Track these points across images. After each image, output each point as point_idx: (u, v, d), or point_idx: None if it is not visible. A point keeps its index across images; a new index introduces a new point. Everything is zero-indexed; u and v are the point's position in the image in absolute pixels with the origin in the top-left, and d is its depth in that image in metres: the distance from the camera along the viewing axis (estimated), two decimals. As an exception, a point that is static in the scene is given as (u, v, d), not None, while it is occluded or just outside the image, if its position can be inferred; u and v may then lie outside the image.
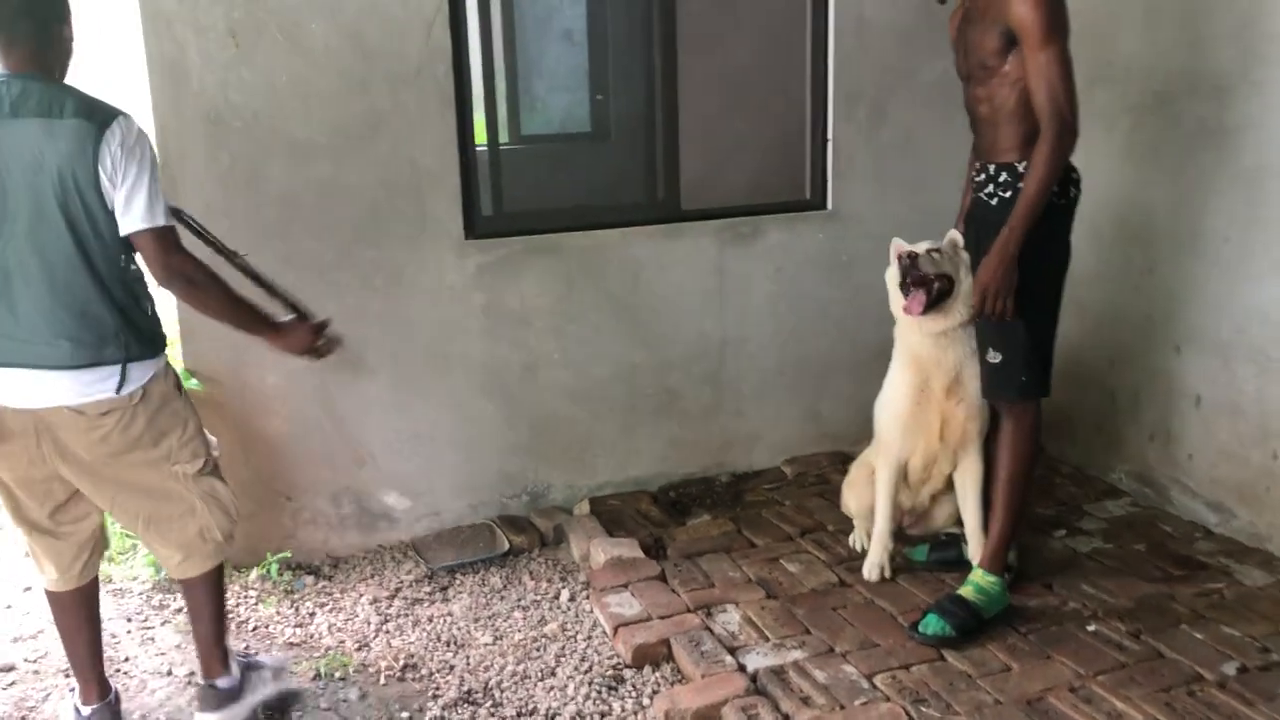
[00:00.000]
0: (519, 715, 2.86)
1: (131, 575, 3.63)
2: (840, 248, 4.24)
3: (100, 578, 3.52)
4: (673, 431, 4.18)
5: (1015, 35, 2.85)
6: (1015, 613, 3.14)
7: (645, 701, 2.88)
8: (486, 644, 3.20)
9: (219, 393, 3.57)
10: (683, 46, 4.02)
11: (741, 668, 2.94)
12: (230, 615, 3.39)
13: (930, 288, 3.15)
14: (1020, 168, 2.95)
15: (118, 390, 2.49)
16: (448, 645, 3.21)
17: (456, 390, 3.85)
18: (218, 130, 3.43)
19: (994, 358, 3.07)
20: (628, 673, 3.02)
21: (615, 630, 3.16)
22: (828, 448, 4.39)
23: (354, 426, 3.74)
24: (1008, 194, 2.99)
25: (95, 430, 2.50)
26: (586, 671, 3.02)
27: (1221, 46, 3.53)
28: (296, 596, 3.50)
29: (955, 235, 3.24)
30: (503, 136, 5.03)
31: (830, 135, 4.17)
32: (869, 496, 3.53)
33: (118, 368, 2.49)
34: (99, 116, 2.41)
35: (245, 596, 3.49)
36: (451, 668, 3.09)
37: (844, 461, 4.21)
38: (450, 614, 3.38)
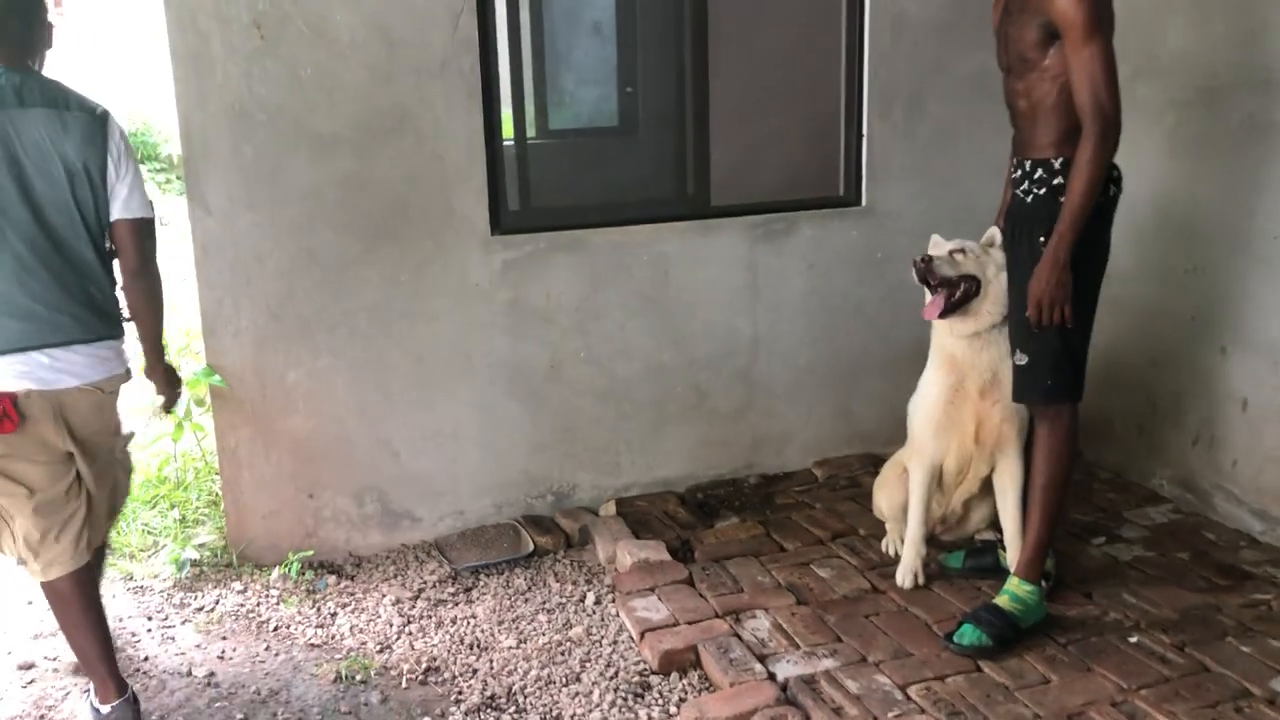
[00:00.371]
0: (543, 722, 2.80)
1: (153, 573, 3.59)
2: (875, 245, 4.15)
3: (120, 575, 3.53)
4: (701, 431, 4.10)
5: (1056, 29, 2.75)
6: (1054, 622, 3.05)
7: (672, 710, 2.81)
8: (510, 647, 3.14)
9: (240, 388, 3.52)
10: (714, 39, 3.94)
11: (771, 676, 2.86)
12: (252, 614, 3.35)
13: (952, 291, 3.07)
14: (1056, 164, 2.86)
15: (121, 365, 2.74)
16: (471, 648, 3.15)
17: (481, 388, 3.79)
18: (241, 123, 3.39)
19: (1020, 359, 2.99)
20: (654, 680, 2.95)
21: (642, 635, 3.09)
22: (859, 449, 4.30)
23: (377, 424, 3.69)
24: (1042, 190, 2.90)
25: (102, 407, 2.69)
26: (612, 678, 2.95)
27: (1273, 38, 3.41)
28: (318, 596, 3.46)
29: (993, 232, 3.15)
30: (529, 131, 4.96)
31: (865, 130, 4.08)
32: (901, 496, 3.45)
33: (119, 343, 2.74)
34: (98, 110, 2.63)
35: (266, 596, 3.45)
36: (474, 671, 3.02)
37: (876, 464, 4.13)
38: (474, 616, 3.32)
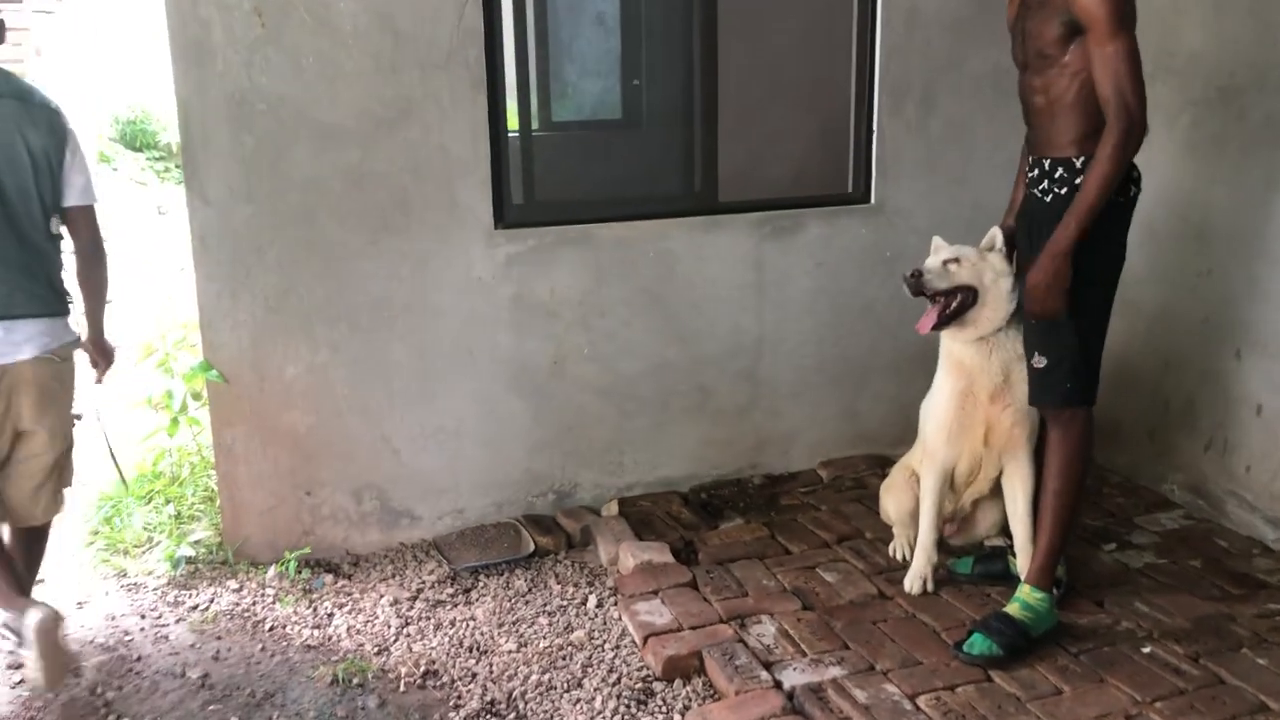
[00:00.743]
0: (544, 728, 2.74)
1: (147, 570, 3.53)
2: (884, 243, 4.08)
3: (114, 571, 3.47)
4: (705, 430, 4.04)
5: (1078, 25, 2.69)
6: (1065, 631, 2.99)
7: (676, 718, 2.75)
8: (510, 651, 3.08)
9: (237, 383, 3.46)
10: (723, 32, 3.87)
11: (777, 684, 2.80)
12: (247, 614, 3.29)
13: (947, 303, 3.02)
14: (1078, 164, 2.80)
15: (71, 335, 3.00)
16: (470, 651, 3.08)
17: (483, 384, 3.72)
18: (242, 112, 3.32)
19: (1039, 362, 2.93)
20: (657, 686, 2.89)
21: (645, 640, 3.03)
22: (865, 450, 4.25)
23: (377, 420, 3.63)
24: (1064, 190, 2.83)
25: (60, 375, 2.96)
26: (615, 683, 2.89)
27: (1294, 38, 3.35)
28: (315, 596, 3.39)
29: (994, 234, 3.08)
30: (533, 123, 4.90)
31: (875, 127, 4.01)
32: (909, 501, 3.40)
33: (68, 318, 2.99)
34: (52, 102, 2.90)
35: (262, 595, 3.39)
36: (474, 676, 2.96)
37: (882, 465, 4.08)
38: (473, 618, 3.25)
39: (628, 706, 2.79)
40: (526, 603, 3.34)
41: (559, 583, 3.45)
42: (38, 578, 3.21)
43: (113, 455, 3.98)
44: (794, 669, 2.87)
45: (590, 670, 2.96)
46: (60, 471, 3.07)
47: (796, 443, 4.18)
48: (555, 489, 3.89)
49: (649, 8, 4.85)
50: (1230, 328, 3.64)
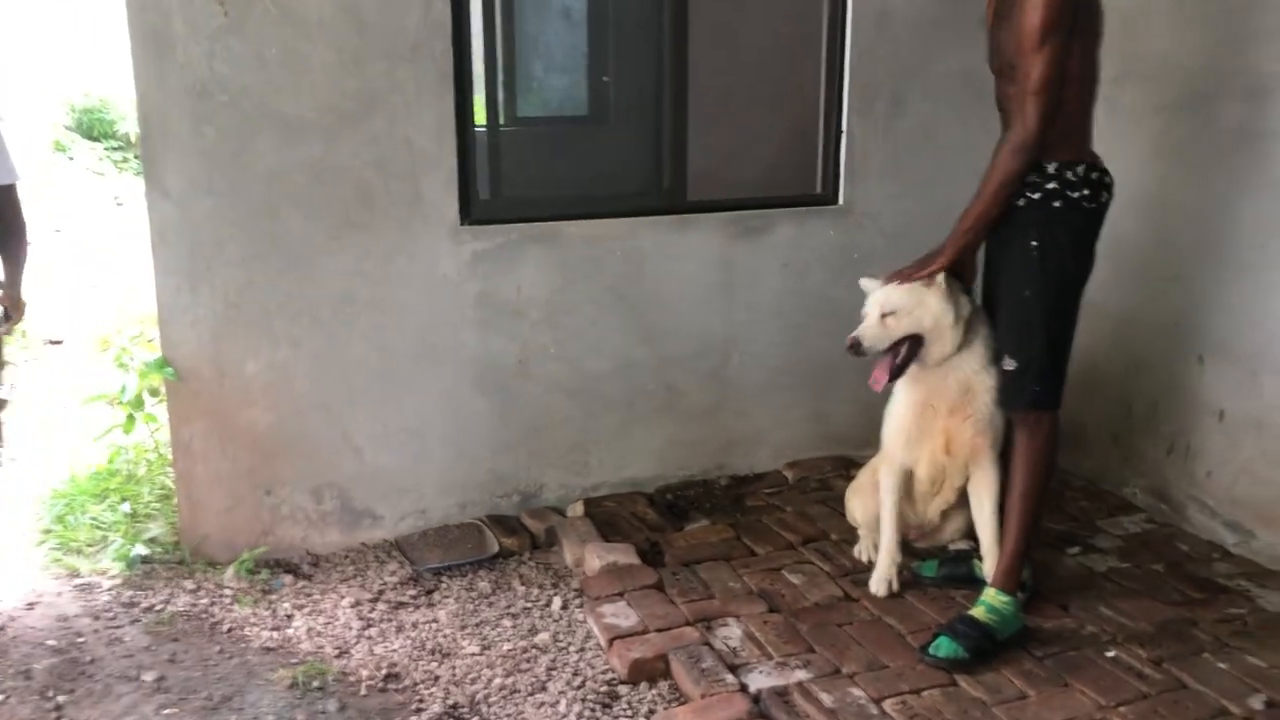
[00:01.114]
0: (507, 733, 2.70)
1: (100, 570, 3.45)
2: (852, 245, 4.08)
3: (66, 571, 3.39)
4: (672, 431, 4.02)
5: None
6: (1031, 635, 3.00)
7: (641, 722, 2.73)
8: (473, 654, 3.03)
9: (196, 379, 3.39)
10: (693, 31, 3.84)
11: (743, 688, 2.78)
12: (204, 615, 3.23)
13: (894, 355, 3.01)
14: (1050, 169, 2.84)
15: None
16: (432, 654, 3.04)
17: (447, 383, 3.68)
18: (203, 104, 3.25)
19: (1009, 365, 2.95)
20: (623, 689, 2.86)
21: (610, 643, 3.00)
22: (831, 451, 4.24)
23: (338, 418, 3.57)
24: (1036, 195, 2.86)
25: None
26: (579, 687, 2.86)
27: (1260, 46, 3.37)
28: (274, 597, 3.33)
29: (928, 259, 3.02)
30: (500, 118, 4.85)
31: (844, 128, 4.00)
32: (875, 505, 3.39)
33: None
34: None
35: (220, 595, 3.32)
36: (436, 679, 2.92)
37: (848, 467, 4.08)
38: (436, 620, 3.21)
39: (592, 710, 2.76)
40: (490, 605, 3.30)
41: (523, 584, 3.41)
42: None
43: None
44: (760, 672, 2.85)
45: (554, 673, 2.93)
46: None
47: (763, 444, 4.17)
48: (520, 489, 3.85)
49: (617, 3, 4.82)
50: (1194, 334, 3.66)
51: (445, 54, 3.45)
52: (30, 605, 3.28)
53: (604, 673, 2.92)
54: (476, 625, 3.18)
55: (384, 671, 2.94)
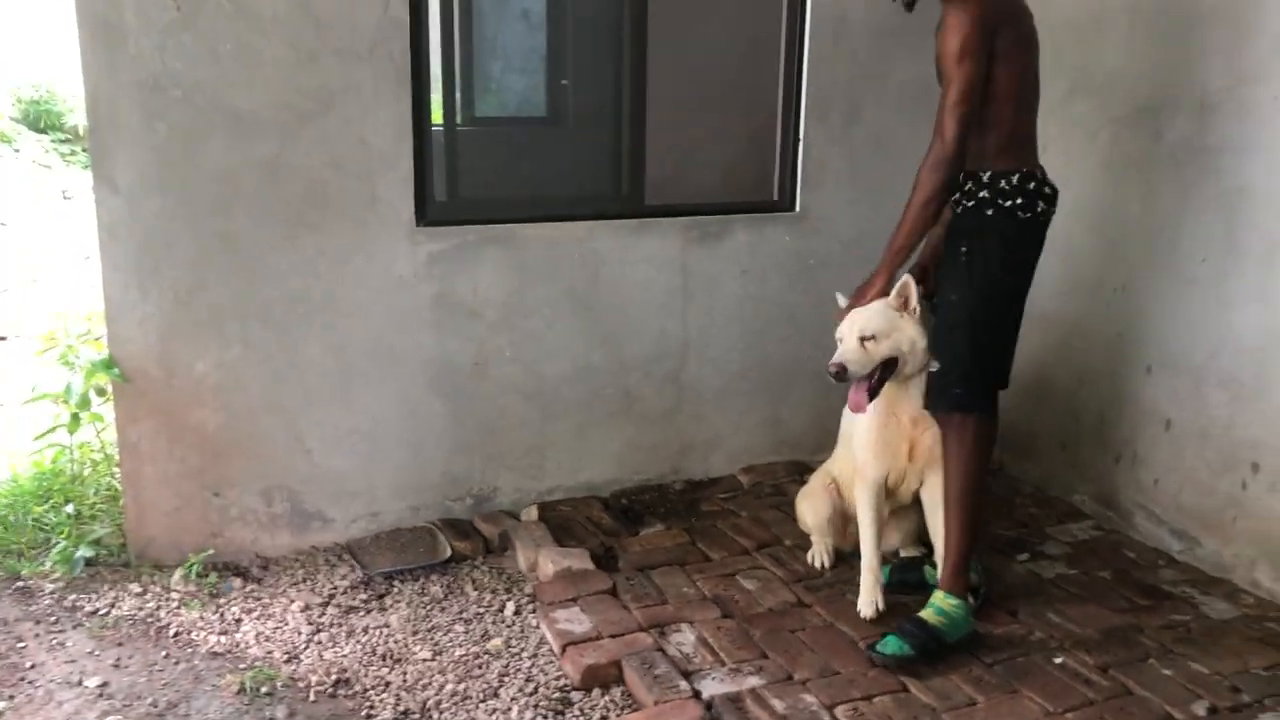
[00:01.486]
0: (458, 740, 2.68)
1: (43, 572, 3.38)
2: (808, 251, 4.10)
3: (5, 574, 3.33)
4: (628, 435, 4.01)
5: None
6: (980, 641, 3.03)
7: (594, 728, 2.72)
8: (425, 659, 3.01)
9: (144, 379, 3.33)
10: (652, 35, 3.84)
11: (696, 694, 2.79)
12: (150, 619, 3.17)
13: (870, 382, 3.02)
14: (984, 177, 2.92)
15: None
16: (384, 659, 3.01)
17: (402, 385, 3.64)
18: (155, 98, 3.19)
19: (933, 366, 3.02)
20: (575, 695, 2.85)
21: (563, 649, 2.99)
22: (786, 456, 4.26)
23: (290, 419, 3.52)
24: (970, 203, 2.96)
25: None
26: (532, 693, 2.84)
27: (1209, 63, 3.43)
28: (222, 600, 3.28)
29: (907, 285, 3.01)
30: (458, 118, 4.82)
31: (801, 135, 4.02)
32: (825, 509, 3.43)
33: None
34: None
35: (166, 599, 3.26)
36: (387, 685, 2.89)
37: (802, 472, 4.10)
38: (387, 625, 3.18)
39: (545, 717, 2.75)
40: (442, 610, 3.27)
41: (476, 589, 3.39)
42: None
43: None
44: (713, 678, 2.86)
45: (507, 679, 2.91)
46: None
47: (719, 448, 4.18)
48: (474, 492, 3.82)
49: (576, 5, 4.81)
50: (1142, 343, 3.72)
51: (403, 54, 3.42)
52: (-31, 609, 3.21)
53: (557, 679, 2.91)
54: (428, 630, 3.15)
55: (334, 677, 2.91)
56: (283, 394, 3.50)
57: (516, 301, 3.73)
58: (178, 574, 3.36)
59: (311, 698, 2.83)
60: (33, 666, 2.93)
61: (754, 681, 2.84)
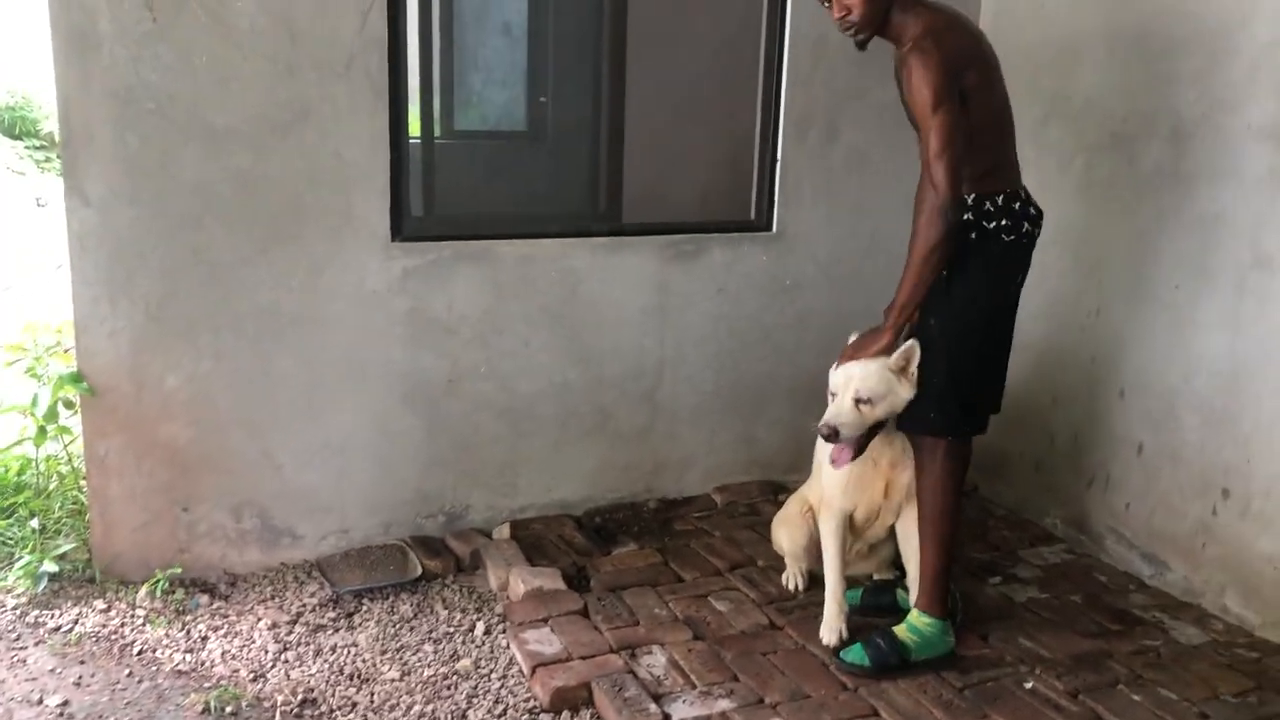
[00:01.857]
0: (425, 762, 2.65)
1: (5, 587, 3.32)
2: (784, 271, 4.10)
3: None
4: (602, 453, 3.99)
5: None
6: (951, 664, 3.02)
7: (562, 751, 2.70)
8: (393, 680, 2.98)
9: (113, 392, 3.29)
10: (632, 53, 3.84)
11: (666, 717, 2.76)
12: (114, 636, 3.13)
13: (858, 439, 2.98)
14: (968, 199, 2.87)
15: None
16: (351, 679, 2.97)
17: (374, 400, 3.62)
18: (128, 110, 3.16)
19: None
20: (544, 718, 2.82)
21: (533, 670, 2.96)
22: (760, 476, 4.25)
23: (260, 434, 3.49)
24: None
25: None
26: (500, 715, 2.81)
27: (1183, 90, 3.45)
28: (189, 618, 3.24)
29: (913, 353, 2.92)
30: (436, 131, 4.79)
31: (779, 155, 4.02)
32: (802, 537, 3.39)
33: None
34: None
35: (131, 616, 3.22)
36: (354, 705, 2.85)
37: (776, 491, 4.10)
38: (355, 644, 3.14)
39: (513, 739, 2.72)
40: (411, 629, 3.24)
41: (446, 608, 3.36)
42: None
43: None
44: (683, 701, 2.84)
45: (475, 701, 2.88)
46: None
47: (693, 467, 4.17)
48: (446, 510, 3.79)
49: (557, 20, 4.81)
50: (1116, 367, 3.74)
51: (380, 68, 3.40)
52: (-71, 624, 3.16)
53: (526, 700, 2.88)
54: (397, 650, 3.12)
55: (300, 697, 2.87)
56: (254, 408, 3.47)
57: (491, 318, 3.72)
58: (144, 590, 3.32)
59: (277, 717, 2.79)
60: (-8, 684, 2.88)
61: (725, 705, 2.83)
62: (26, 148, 9.63)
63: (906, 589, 3.22)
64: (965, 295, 2.89)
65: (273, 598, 3.38)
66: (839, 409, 2.94)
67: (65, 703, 2.81)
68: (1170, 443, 3.55)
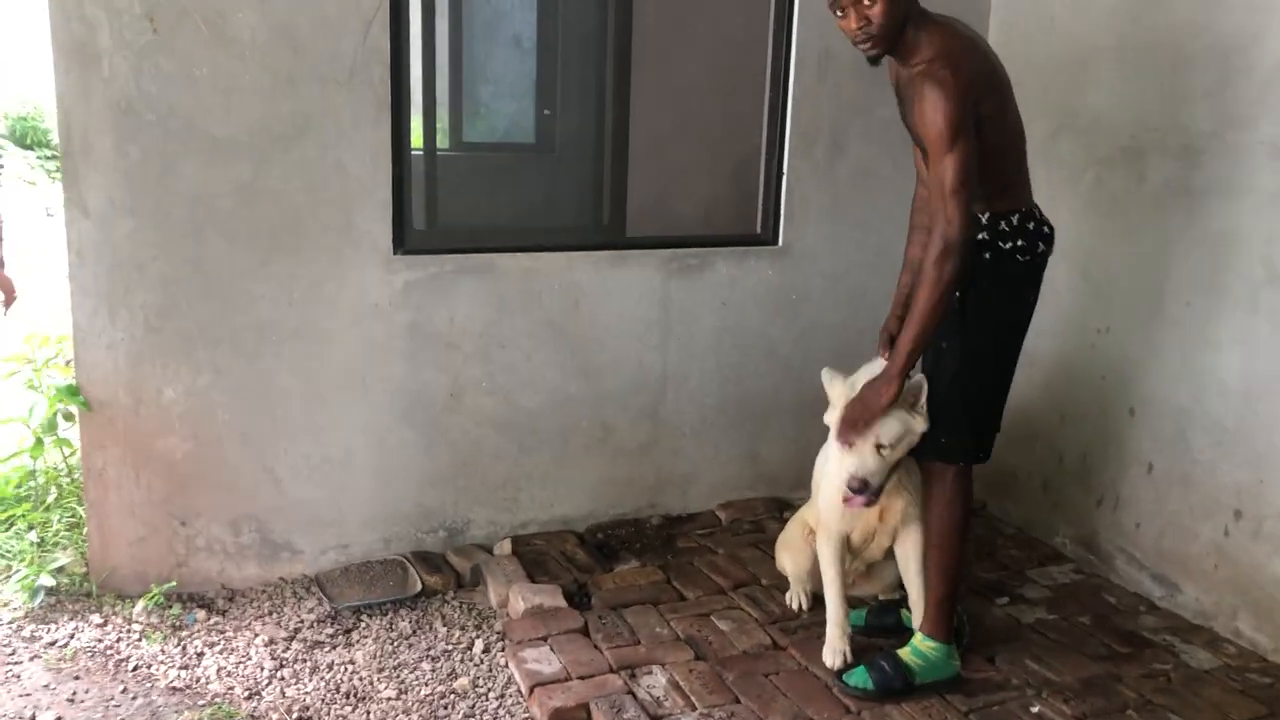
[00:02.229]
0: (419, 784, 2.61)
1: (2, 601, 3.30)
2: (790, 285, 4.06)
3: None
4: (605, 468, 3.96)
5: None
6: (956, 687, 2.97)
7: (559, 774, 2.65)
8: (390, 698, 2.94)
9: (111, 405, 3.27)
10: (637, 67, 3.81)
11: (665, 740, 2.72)
12: (110, 651, 3.10)
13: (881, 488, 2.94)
14: (983, 218, 2.81)
15: None
16: (347, 698, 2.94)
17: (375, 415, 3.59)
18: (128, 121, 3.15)
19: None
20: (541, 739, 2.79)
21: (531, 690, 2.92)
22: (765, 492, 4.20)
23: (259, 448, 3.46)
24: None
25: None
26: (497, 736, 2.78)
27: (1195, 105, 3.41)
28: (185, 633, 3.21)
29: (919, 384, 2.88)
30: (442, 142, 4.78)
31: (785, 169, 3.99)
32: (806, 561, 3.33)
33: None
34: None
35: (128, 631, 3.19)
36: (349, 724, 2.82)
37: (781, 508, 4.05)
38: (352, 661, 3.11)
39: (509, 761, 2.68)
40: (410, 646, 3.20)
41: (445, 625, 3.32)
42: None
43: None
44: (683, 724, 2.80)
45: (472, 721, 2.85)
46: None
47: (696, 483, 4.12)
48: (447, 525, 3.76)
49: (566, 33, 4.79)
50: (1125, 385, 3.68)
51: (383, 80, 3.38)
52: (-77, 638, 3.13)
53: (523, 721, 2.85)
54: (395, 668, 3.08)
55: (295, 715, 2.84)
56: (253, 422, 3.44)
57: (494, 332, 3.69)
58: (140, 605, 3.29)
59: (270, 737, 2.76)
60: (-15, 700, 2.86)
61: (725, 727, 2.78)
62: (38, 158, 9.66)
63: (909, 609, 3.16)
64: (978, 318, 2.82)
65: (270, 613, 3.35)
66: (862, 461, 2.87)
67: (58, 719, 2.78)
68: (1181, 462, 3.49)
